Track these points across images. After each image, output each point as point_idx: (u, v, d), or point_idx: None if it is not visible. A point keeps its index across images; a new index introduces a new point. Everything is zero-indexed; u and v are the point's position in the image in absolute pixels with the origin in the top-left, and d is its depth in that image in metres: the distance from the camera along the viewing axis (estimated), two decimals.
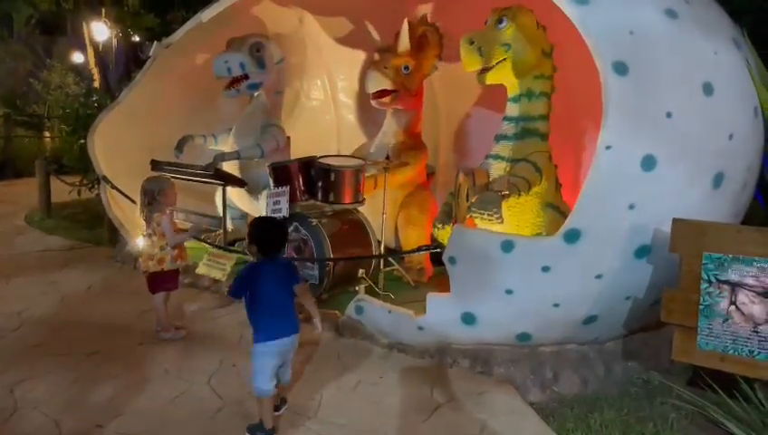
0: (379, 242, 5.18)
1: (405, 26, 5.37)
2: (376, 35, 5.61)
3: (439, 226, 4.54)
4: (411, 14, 5.43)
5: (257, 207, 5.99)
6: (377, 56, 5.55)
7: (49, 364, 3.91)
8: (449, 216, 4.55)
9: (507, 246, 3.59)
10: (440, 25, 5.52)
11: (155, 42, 6.23)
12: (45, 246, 7.01)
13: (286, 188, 5.05)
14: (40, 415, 3.32)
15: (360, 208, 5.36)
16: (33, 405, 3.42)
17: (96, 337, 4.36)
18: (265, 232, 3.27)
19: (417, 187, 5.67)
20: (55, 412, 3.35)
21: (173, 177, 5.20)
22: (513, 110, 4.41)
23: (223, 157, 5.77)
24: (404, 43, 5.39)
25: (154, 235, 4.32)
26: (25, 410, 3.38)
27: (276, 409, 3.36)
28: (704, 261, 3.14)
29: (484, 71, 4.25)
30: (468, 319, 3.86)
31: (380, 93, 5.43)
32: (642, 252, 3.57)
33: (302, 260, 5.02)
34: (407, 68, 5.40)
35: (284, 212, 5.02)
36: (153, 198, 4.33)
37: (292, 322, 3.28)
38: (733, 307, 3.10)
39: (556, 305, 3.71)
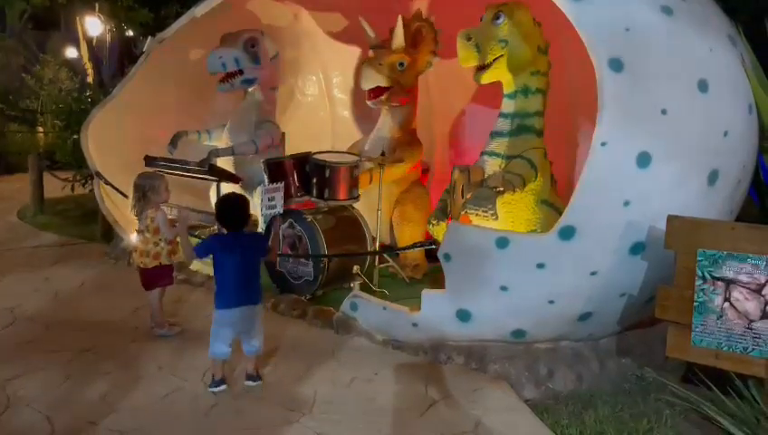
0: (374, 238, 5.17)
1: (399, 23, 5.34)
2: (371, 31, 5.59)
3: (434, 221, 4.54)
4: (406, 10, 5.41)
5: (252, 203, 5.97)
6: (371, 53, 5.53)
7: (42, 361, 3.89)
8: (445, 212, 4.54)
9: (502, 242, 3.58)
10: (434, 21, 5.50)
11: (149, 37, 6.19)
12: (38, 242, 6.98)
13: (281, 185, 5.04)
14: (32, 412, 3.31)
15: (355, 205, 5.35)
16: (25, 402, 3.40)
17: (89, 334, 4.34)
18: (225, 209, 3.60)
19: (413, 183, 5.66)
20: (48, 409, 3.33)
21: (167, 172, 5.18)
22: (508, 106, 4.41)
23: (217, 153, 5.75)
24: (398, 39, 5.37)
25: (147, 231, 4.30)
26: (18, 406, 3.36)
27: (249, 378, 3.63)
28: (698, 258, 3.14)
29: (481, 69, 4.24)
30: (463, 316, 3.85)
31: (376, 92, 5.39)
32: (637, 249, 3.57)
33: (296, 256, 5.01)
34: (401, 64, 5.37)
35: (279, 208, 5.01)
36: (143, 194, 4.30)
37: (251, 293, 3.53)
38: (727, 304, 3.10)
39: (551, 302, 3.70)
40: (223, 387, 3.57)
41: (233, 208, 3.59)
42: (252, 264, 3.59)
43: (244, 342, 3.62)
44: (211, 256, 3.59)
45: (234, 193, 3.93)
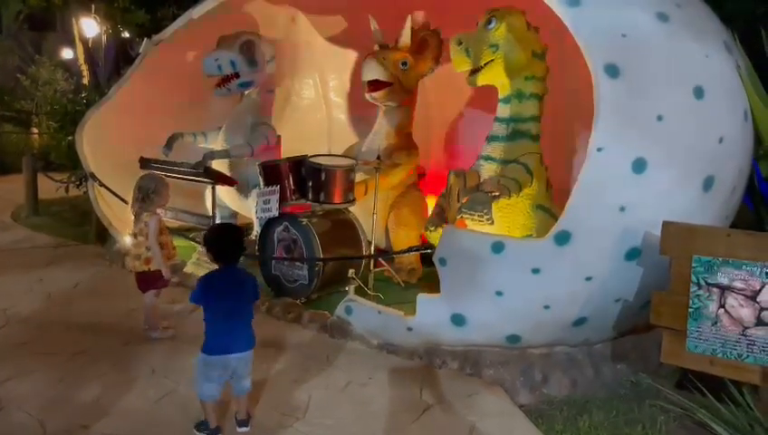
0: (370, 242, 5.16)
1: (408, 22, 5.30)
2: (368, 35, 5.58)
3: (432, 228, 4.52)
4: (405, 14, 5.41)
5: (247, 206, 5.96)
6: (376, 48, 5.50)
7: (34, 363, 3.86)
8: (441, 218, 4.53)
9: (497, 247, 3.58)
10: (441, 31, 5.48)
11: (145, 38, 6.19)
12: (32, 244, 6.95)
13: (276, 188, 5.03)
14: (24, 414, 3.29)
15: (351, 208, 5.34)
16: (17, 404, 3.38)
17: (82, 336, 4.32)
18: (221, 238, 3.26)
19: (409, 187, 5.65)
20: (40, 412, 3.31)
21: (162, 175, 5.17)
22: (503, 111, 4.41)
23: (212, 155, 5.73)
24: (405, 38, 5.34)
25: (140, 234, 4.27)
26: (10, 408, 3.34)
27: (240, 424, 3.24)
28: (693, 264, 3.15)
29: (474, 72, 4.25)
30: (458, 320, 3.85)
31: (375, 86, 5.32)
32: (632, 254, 3.58)
33: (291, 260, 5.00)
34: (405, 63, 5.31)
35: (274, 211, 5.00)
36: (147, 195, 4.28)
37: (244, 338, 3.19)
38: (722, 310, 3.11)
39: (546, 307, 3.70)
40: None
41: (227, 240, 3.24)
42: (247, 307, 3.24)
43: (234, 383, 3.24)
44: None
45: (229, 223, 3.74)
